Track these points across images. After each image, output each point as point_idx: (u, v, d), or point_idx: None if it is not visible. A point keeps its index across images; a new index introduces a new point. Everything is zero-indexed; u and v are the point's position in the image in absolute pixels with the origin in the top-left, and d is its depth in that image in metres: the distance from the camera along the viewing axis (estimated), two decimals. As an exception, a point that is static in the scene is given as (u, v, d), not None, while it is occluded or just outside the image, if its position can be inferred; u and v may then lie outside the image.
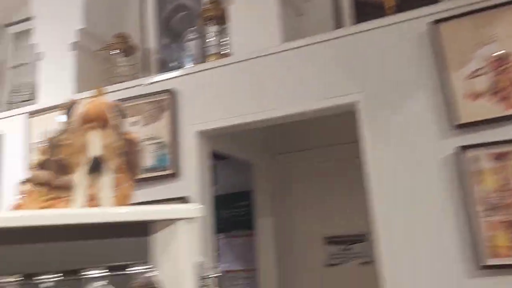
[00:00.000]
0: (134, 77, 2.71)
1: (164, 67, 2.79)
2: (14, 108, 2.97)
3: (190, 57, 2.74)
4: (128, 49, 2.74)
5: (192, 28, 2.77)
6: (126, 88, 2.44)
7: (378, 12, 2.21)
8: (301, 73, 2.11)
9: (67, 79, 2.65)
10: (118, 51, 2.72)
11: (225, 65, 2.27)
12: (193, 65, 2.64)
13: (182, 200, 2.18)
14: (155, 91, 2.35)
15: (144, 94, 2.37)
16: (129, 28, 2.83)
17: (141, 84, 2.40)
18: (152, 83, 2.37)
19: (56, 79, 2.69)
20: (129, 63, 2.74)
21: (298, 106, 2.09)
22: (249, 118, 2.17)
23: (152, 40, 2.84)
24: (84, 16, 2.70)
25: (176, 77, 2.36)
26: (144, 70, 2.81)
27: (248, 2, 2.32)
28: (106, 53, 2.78)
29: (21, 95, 3.20)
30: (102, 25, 2.85)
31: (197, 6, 2.76)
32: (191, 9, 2.79)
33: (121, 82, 2.67)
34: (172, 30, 2.82)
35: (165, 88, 2.32)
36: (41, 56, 2.78)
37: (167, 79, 2.37)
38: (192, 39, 2.75)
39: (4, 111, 3.04)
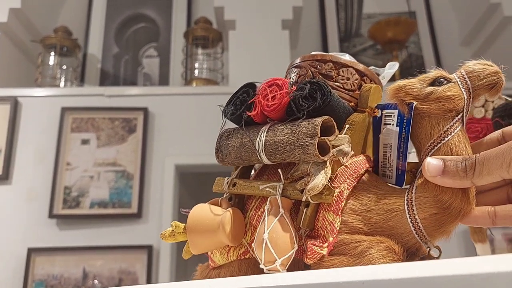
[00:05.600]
0: (71, 83, 2.16)
1: (106, 80, 2.29)
2: None
3: (146, 76, 2.30)
4: (70, 49, 2.18)
5: (153, 44, 2.36)
6: (78, 96, 1.90)
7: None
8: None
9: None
10: (55, 48, 2.15)
11: (215, 94, 1.94)
12: (150, 85, 2.23)
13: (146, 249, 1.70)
14: (122, 106, 1.87)
15: (107, 107, 1.87)
16: (70, 26, 2.26)
17: (103, 94, 1.89)
18: (116, 96, 1.88)
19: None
20: (70, 66, 2.17)
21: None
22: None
23: (96, 46, 2.32)
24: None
25: (152, 95, 1.92)
26: (81, 78, 2.26)
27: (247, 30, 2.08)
28: (37, 46, 2.17)
29: None
30: (40, 13, 2.24)
31: (162, 21, 2.38)
32: (154, 23, 2.39)
33: (54, 86, 2.09)
34: (125, 41, 2.36)
35: (140, 106, 1.87)
36: None
37: (139, 95, 1.91)
38: (150, 56, 2.33)
39: None
